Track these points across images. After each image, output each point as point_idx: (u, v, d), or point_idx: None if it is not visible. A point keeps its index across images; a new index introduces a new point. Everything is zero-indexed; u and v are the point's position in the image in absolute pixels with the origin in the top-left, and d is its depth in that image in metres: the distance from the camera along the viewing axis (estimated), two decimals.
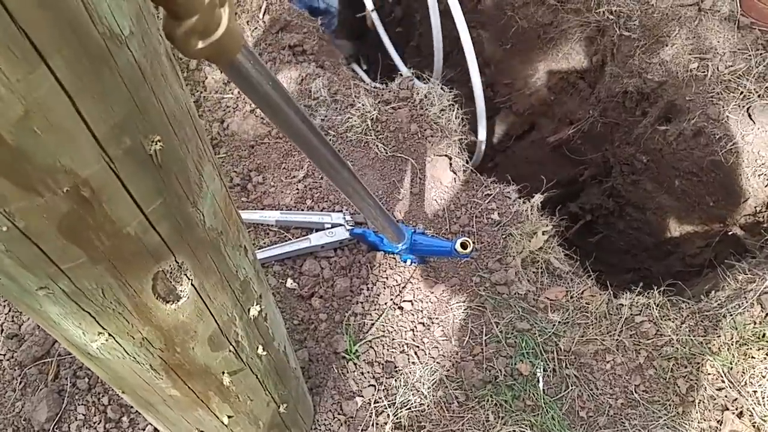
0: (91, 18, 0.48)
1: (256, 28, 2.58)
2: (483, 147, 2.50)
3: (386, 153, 2.23)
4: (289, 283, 1.97)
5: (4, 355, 1.78)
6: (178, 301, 0.79)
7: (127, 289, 0.71)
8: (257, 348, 1.08)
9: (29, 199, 0.53)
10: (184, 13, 0.67)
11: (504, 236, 2.11)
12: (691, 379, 1.90)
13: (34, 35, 0.44)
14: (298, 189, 2.19)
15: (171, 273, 0.75)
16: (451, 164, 2.23)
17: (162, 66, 0.62)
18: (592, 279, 2.15)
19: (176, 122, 0.66)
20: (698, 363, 1.93)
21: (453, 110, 2.32)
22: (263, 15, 2.60)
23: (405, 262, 2.03)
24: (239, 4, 2.60)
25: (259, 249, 2.02)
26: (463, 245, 1.85)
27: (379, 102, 2.32)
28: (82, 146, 0.54)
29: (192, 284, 0.80)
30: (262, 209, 2.14)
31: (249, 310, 1.00)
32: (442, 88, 2.34)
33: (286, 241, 2.06)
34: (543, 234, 2.05)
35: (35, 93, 0.47)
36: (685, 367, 1.92)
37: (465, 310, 2.00)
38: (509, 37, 3.12)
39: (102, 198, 0.59)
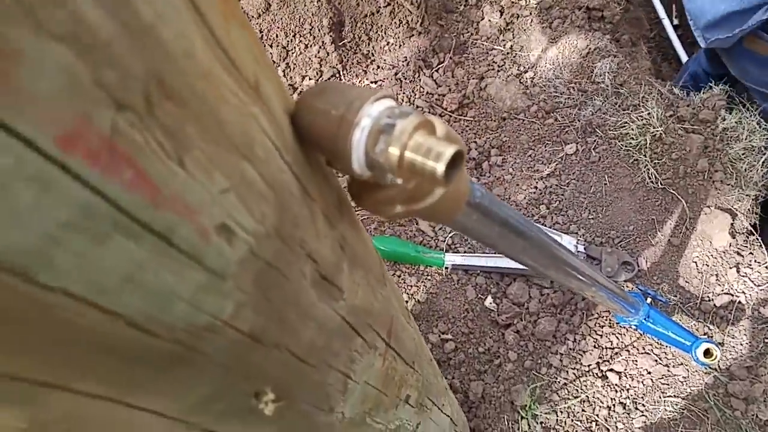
0: None
1: None
2: None
3: (656, 183, 1.82)
4: (488, 301, 1.72)
5: None
6: None
7: None
8: None
9: None
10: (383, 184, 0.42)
11: (767, 340, 1.66)
12: None
13: None
14: (536, 188, 1.88)
15: None
16: (732, 225, 1.77)
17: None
18: None
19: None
20: None
21: (762, 155, 1.81)
22: None
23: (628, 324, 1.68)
24: None
25: (466, 252, 1.79)
26: (707, 352, 1.47)
27: (670, 116, 1.88)
28: None
29: None
30: None
31: None
32: (758, 123, 1.83)
33: None
34: None
35: None
36: None
37: (681, 408, 1.64)
38: None
39: None
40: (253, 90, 0.30)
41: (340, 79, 2.07)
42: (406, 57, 2.07)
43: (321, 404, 0.50)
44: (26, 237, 0.19)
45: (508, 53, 2.11)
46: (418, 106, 2.03)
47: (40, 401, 0.25)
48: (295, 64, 2.04)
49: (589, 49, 2.06)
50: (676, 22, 2.73)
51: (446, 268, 1.76)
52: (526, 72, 2.07)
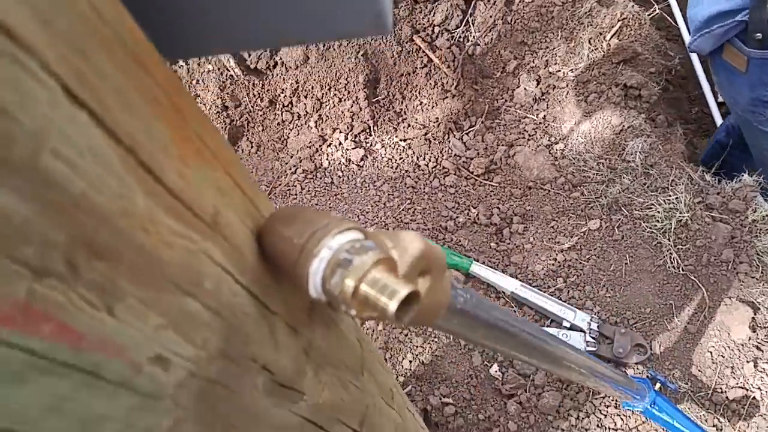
0: None
1: (596, 48, 2.20)
2: None
3: (678, 269, 1.79)
4: (494, 369, 1.70)
5: None
6: None
7: None
8: None
9: None
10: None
11: None
12: None
13: None
14: (555, 260, 1.87)
15: None
16: (754, 318, 1.72)
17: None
18: None
19: None
20: None
21: None
22: (611, 37, 2.19)
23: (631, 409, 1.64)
24: (590, 16, 2.22)
25: None
26: None
27: (699, 203, 1.85)
28: None
29: None
30: (504, 269, 1.86)
31: None
32: None
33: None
34: None
35: None
36: None
37: None
38: None
39: None
40: (209, 225, 0.31)
41: (371, 135, 2.10)
42: (437, 118, 2.09)
43: None
44: None
45: (540, 123, 2.11)
46: (444, 167, 2.04)
47: None
48: (327, 116, 2.08)
49: (623, 126, 2.05)
50: (720, 99, 2.70)
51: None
52: (556, 143, 2.07)
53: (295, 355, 0.43)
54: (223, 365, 0.34)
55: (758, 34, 1.53)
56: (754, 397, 1.66)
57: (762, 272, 1.75)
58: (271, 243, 0.37)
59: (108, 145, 0.23)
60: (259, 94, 2.12)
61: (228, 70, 2.11)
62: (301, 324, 0.44)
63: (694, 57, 2.62)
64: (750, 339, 1.72)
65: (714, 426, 1.64)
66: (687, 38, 2.66)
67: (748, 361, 1.70)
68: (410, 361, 1.71)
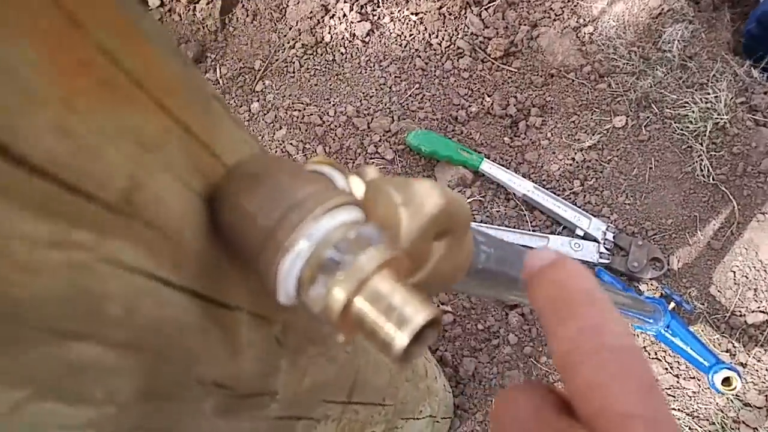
0: None
1: None
2: None
3: (707, 177, 1.68)
4: None
5: None
6: None
7: None
8: None
9: None
10: None
11: None
12: None
13: None
14: (574, 159, 1.76)
15: None
16: None
17: None
18: None
19: None
20: None
21: None
22: None
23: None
24: None
25: (485, 221, 1.68)
26: (727, 380, 1.38)
27: (741, 103, 1.72)
28: None
29: None
30: (518, 167, 1.75)
31: None
32: None
33: (522, 224, 1.68)
34: None
35: None
36: None
37: (683, 424, 1.58)
38: None
39: None
40: (117, 211, 0.20)
41: (379, 6, 1.91)
42: None
43: None
44: None
45: (568, 1, 1.93)
46: (459, 48, 1.88)
47: None
48: None
49: (662, 9, 1.87)
50: None
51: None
52: (585, 26, 1.89)
53: (263, 354, 0.33)
54: (147, 408, 0.24)
55: None
56: None
57: None
58: (227, 219, 0.25)
59: None
60: None
61: None
62: (271, 308, 0.33)
63: None
64: None
65: (727, 351, 1.60)
66: None
67: None
68: None
